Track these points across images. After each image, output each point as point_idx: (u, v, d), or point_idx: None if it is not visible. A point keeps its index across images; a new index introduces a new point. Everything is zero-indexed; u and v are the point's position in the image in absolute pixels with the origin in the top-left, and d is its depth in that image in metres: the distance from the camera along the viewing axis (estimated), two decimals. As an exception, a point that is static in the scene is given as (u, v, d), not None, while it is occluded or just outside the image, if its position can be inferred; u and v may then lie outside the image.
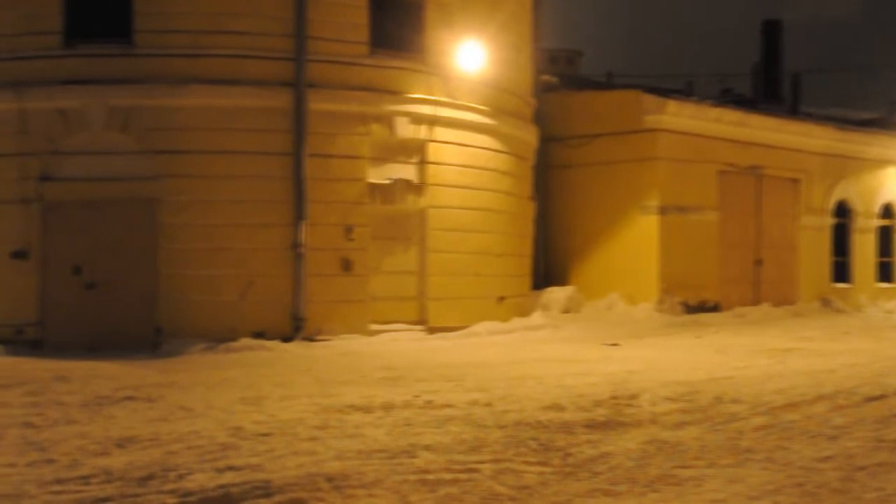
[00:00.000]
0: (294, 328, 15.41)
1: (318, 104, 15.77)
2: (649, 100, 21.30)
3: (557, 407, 8.54)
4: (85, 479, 5.99)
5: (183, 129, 15.42)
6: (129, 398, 9.51)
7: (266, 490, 5.59)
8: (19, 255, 15.51)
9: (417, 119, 16.75)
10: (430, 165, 16.94)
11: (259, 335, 14.92)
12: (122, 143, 15.44)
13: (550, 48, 25.53)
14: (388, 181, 16.52)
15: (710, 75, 46.71)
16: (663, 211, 21.12)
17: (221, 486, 5.70)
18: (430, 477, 5.95)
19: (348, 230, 16.01)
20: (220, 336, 14.67)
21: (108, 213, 15.49)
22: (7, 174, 15.59)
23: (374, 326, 16.02)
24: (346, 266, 16.01)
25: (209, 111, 15.43)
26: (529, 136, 19.83)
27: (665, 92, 23.00)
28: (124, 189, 15.46)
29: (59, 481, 5.97)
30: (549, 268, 21.95)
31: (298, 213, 15.58)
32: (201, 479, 5.90)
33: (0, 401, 9.48)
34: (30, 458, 6.68)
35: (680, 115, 21.70)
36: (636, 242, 21.23)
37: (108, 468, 6.26)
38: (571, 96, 23.00)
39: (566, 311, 20.60)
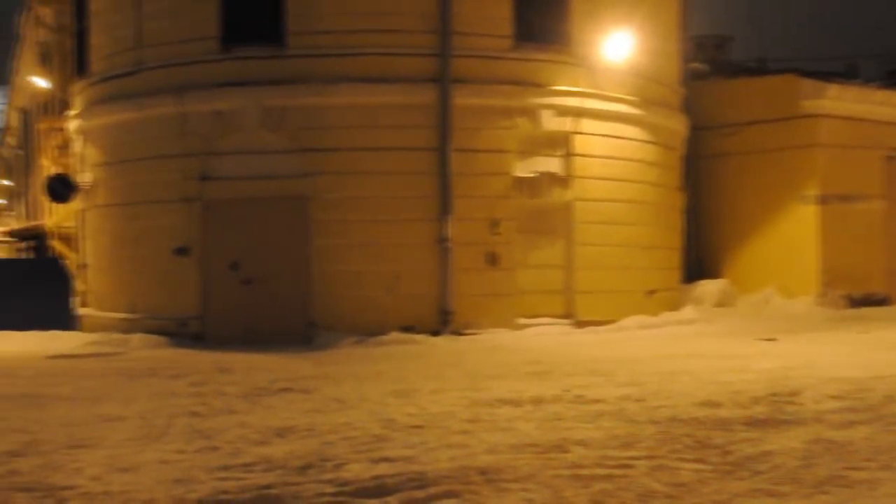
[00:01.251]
0: (442, 322, 15.55)
1: (463, 99, 15.85)
2: (808, 84, 20.36)
3: (713, 403, 8.26)
4: (248, 467, 6.18)
5: (332, 128, 15.80)
6: (286, 390, 9.79)
7: (420, 482, 5.63)
8: (182, 251, 16.25)
9: (563, 111, 16.59)
10: (577, 157, 16.75)
11: (408, 329, 15.13)
12: (275, 142, 15.93)
13: (698, 35, 24.80)
14: (533, 174, 16.43)
15: (875, 56, 44.35)
16: (824, 200, 20.17)
17: (376, 477, 5.78)
18: (584, 472, 5.85)
19: (494, 224, 16.02)
20: (370, 330, 14.96)
21: (263, 211, 16.01)
22: (169, 175, 16.36)
23: (522, 320, 15.98)
24: (493, 260, 16.02)
25: (357, 109, 15.75)
26: (678, 126, 19.34)
27: (825, 76, 21.96)
28: (277, 187, 15.94)
29: (224, 468, 6.19)
30: (700, 260, 21.34)
31: (444, 208, 15.70)
32: (357, 470, 6.00)
33: (169, 391, 9.97)
34: (197, 445, 6.96)
35: (842, 100, 20.65)
36: (794, 233, 20.36)
37: (269, 457, 6.46)
38: (722, 83, 22.28)
39: (719, 304, 19.98)
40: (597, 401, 8.52)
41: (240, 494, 5.51)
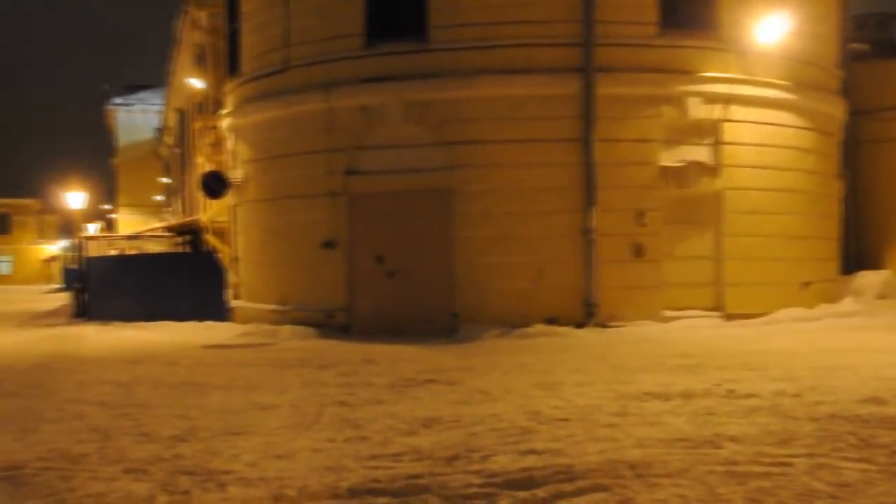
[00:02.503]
0: (586, 314, 15.36)
1: (606, 88, 15.58)
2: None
3: (877, 400, 7.83)
4: (396, 457, 6.25)
5: (475, 120, 15.81)
6: (431, 381, 9.87)
7: (568, 475, 5.55)
8: (329, 245, 16.62)
9: (711, 98, 16.09)
10: (726, 146, 16.22)
11: (552, 321, 15.01)
12: (419, 135, 16.07)
13: (859, 13, 23.57)
14: (680, 164, 16.01)
15: None
16: None
17: (524, 469, 5.74)
18: (739, 469, 5.65)
19: (640, 215, 15.69)
20: (513, 322, 14.92)
21: (407, 204, 16.19)
22: (316, 169, 16.76)
23: (668, 313, 15.60)
24: (638, 251, 15.70)
25: (500, 101, 15.71)
26: (835, 110, 18.43)
27: None
28: (421, 180, 16.08)
29: (373, 457, 6.28)
30: (860, 251, 20.32)
31: (589, 199, 15.48)
32: (504, 461, 5.98)
33: (318, 380, 10.21)
34: (346, 434, 7.10)
35: None
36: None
37: (417, 447, 6.51)
38: (884, 64, 21.12)
39: (881, 296, 18.95)
40: (750, 395, 8.22)
41: (389, 483, 5.58)
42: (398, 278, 16.16)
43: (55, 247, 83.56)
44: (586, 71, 15.50)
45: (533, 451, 6.22)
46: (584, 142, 15.53)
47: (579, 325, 15.08)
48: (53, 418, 8.13)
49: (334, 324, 16.39)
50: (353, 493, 5.43)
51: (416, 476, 5.71)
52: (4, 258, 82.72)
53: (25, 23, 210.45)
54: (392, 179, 16.24)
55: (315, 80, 16.73)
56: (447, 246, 15.84)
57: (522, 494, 5.24)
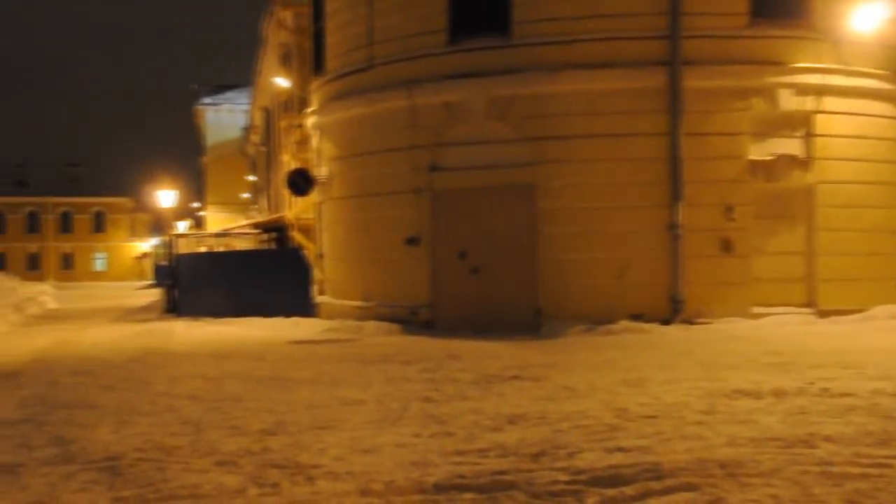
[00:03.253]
0: (672, 310, 15.11)
1: (693, 81, 15.28)
2: None
3: (981, 401, 7.52)
4: (482, 453, 6.24)
5: (558, 115, 15.69)
6: (516, 377, 9.83)
7: (657, 473, 5.46)
8: (413, 241, 16.70)
9: (803, 90, 15.65)
10: (818, 138, 15.76)
11: (637, 317, 14.82)
12: (501, 131, 16.02)
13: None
14: (770, 157, 15.62)
15: None
16: None
17: (611, 467, 5.66)
18: (834, 470, 5.48)
19: (728, 210, 15.36)
20: (597, 318, 14.76)
21: (490, 200, 16.16)
22: (400, 166, 16.85)
23: (757, 309, 15.22)
24: (727, 247, 15.38)
25: (583, 96, 15.56)
26: (934, 100, 17.72)
27: None
28: (504, 176, 16.02)
29: (458, 453, 6.28)
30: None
31: (675, 194, 15.22)
32: (590, 459, 5.92)
33: (402, 376, 10.26)
34: (431, 430, 7.11)
35: None
36: None
37: (503, 443, 6.49)
38: None
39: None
40: (846, 395, 7.97)
41: (475, 479, 5.56)
42: (481, 274, 16.15)
43: (146, 244, 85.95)
44: (672, 64, 15.21)
45: (620, 449, 6.14)
46: (671, 136, 15.27)
47: (665, 322, 14.85)
48: (147, 411, 8.35)
49: (418, 320, 16.46)
50: (439, 488, 5.44)
51: (502, 472, 5.69)
52: (99, 255, 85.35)
53: (124, 25, 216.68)
54: (475, 175, 16.22)
55: (398, 77, 16.82)
56: (530, 242, 15.76)
57: (610, 492, 5.18)
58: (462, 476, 5.64)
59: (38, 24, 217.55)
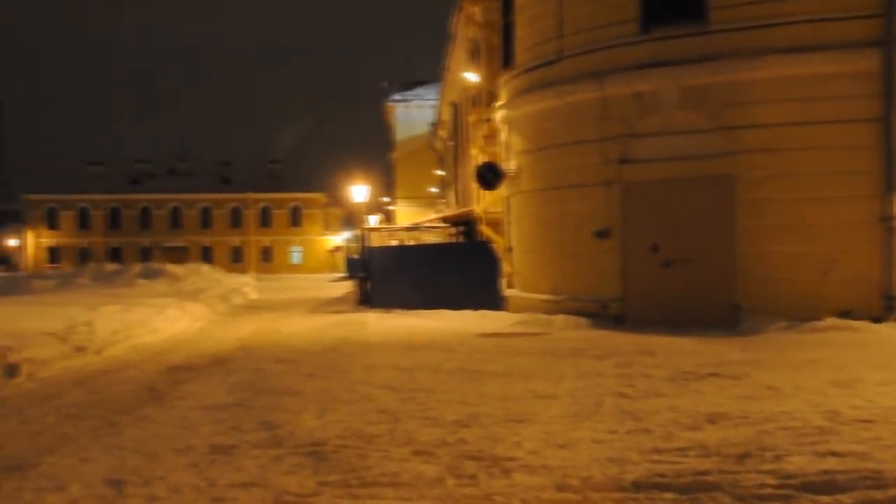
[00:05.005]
0: (885, 308, 14.15)
1: (911, 62, 14.22)
2: None
3: None
4: (681, 452, 6.05)
5: (757, 103, 14.99)
6: (713, 374, 9.49)
7: (878, 481, 5.11)
8: (602, 234, 16.46)
9: None
10: None
11: (845, 314, 13.97)
12: (695, 121, 15.49)
13: None
14: None
15: None
16: None
17: (824, 472, 5.35)
18: None
19: (948, 201, 14.23)
20: (800, 314, 14.03)
21: (683, 192, 15.68)
22: (590, 159, 16.63)
23: (982, 308, 14.04)
24: (946, 241, 14.26)
25: (785, 81, 14.78)
26: None
27: None
28: (698, 167, 15.50)
29: (656, 451, 6.11)
30: None
31: (888, 184, 14.20)
32: (800, 462, 5.61)
33: (594, 371, 10.12)
34: (627, 426, 6.96)
35: None
36: None
37: (703, 442, 6.26)
38: None
39: None
40: None
41: (675, 479, 5.40)
42: (674, 268, 15.71)
43: (339, 238, 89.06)
44: (889, 44, 14.17)
45: (833, 454, 5.79)
46: (885, 122, 14.25)
47: (877, 320, 13.92)
48: (346, 399, 8.60)
49: (608, 314, 16.22)
50: (637, 486, 5.31)
51: (704, 472, 5.49)
52: (296, 248, 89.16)
53: (322, 27, 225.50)
54: (667, 167, 15.79)
55: (588, 68, 16.59)
56: (728, 234, 15.17)
57: (824, 499, 4.89)
58: (661, 475, 5.49)
59: (235, 25, 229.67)
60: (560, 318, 16.12)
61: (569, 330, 15.36)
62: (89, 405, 8.69)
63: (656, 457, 5.96)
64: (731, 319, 14.77)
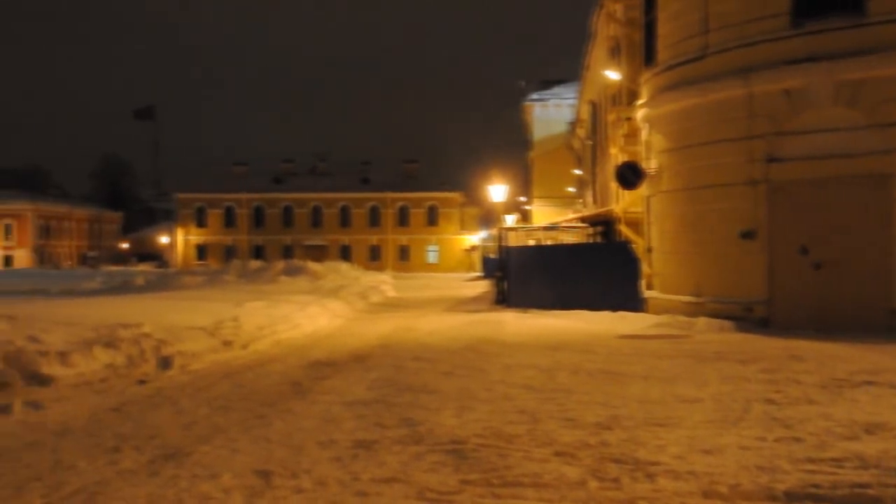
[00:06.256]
0: None
1: None
2: None
3: None
4: (837, 462, 5.78)
5: (918, 98, 14.23)
6: (869, 382, 9.05)
7: None
8: (747, 235, 15.94)
9: None
10: None
11: None
12: (849, 118, 14.83)
13: None
14: None
15: None
16: None
17: None
18: None
19: None
20: (963, 322, 13.25)
21: (835, 191, 15.04)
22: (735, 157, 16.14)
23: None
24: None
25: (950, 75, 13.98)
26: None
27: None
28: (851, 165, 14.83)
29: (809, 460, 5.86)
30: None
31: None
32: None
33: (739, 375, 9.81)
34: (776, 433, 6.71)
35: None
36: None
37: (861, 453, 5.96)
38: None
39: None
40: None
41: (831, 490, 5.16)
42: (825, 270, 15.08)
43: (475, 237, 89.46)
44: None
45: None
46: None
47: None
48: (485, 398, 8.60)
49: (752, 317, 15.70)
50: (790, 496, 5.10)
51: (864, 485, 5.22)
52: (432, 247, 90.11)
53: (458, 26, 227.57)
54: (818, 165, 15.17)
55: (734, 65, 16.10)
56: (885, 235, 14.45)
57: None
58: (816, 486, 5.26)
59: (377, 25, 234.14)
60: (702, 321, 15.70)
61: (711, 333, 14.95)
62: (237, 398, 8.99)
63: (809, 466, 5.71)
64: (888, 325, 14.07)
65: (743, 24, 16.01)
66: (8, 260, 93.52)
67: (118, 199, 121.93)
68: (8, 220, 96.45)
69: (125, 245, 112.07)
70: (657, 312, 17.93)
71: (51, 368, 9.58)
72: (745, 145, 15.99)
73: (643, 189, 19.77)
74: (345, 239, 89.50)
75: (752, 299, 15.88)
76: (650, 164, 19.02)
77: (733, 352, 12.07)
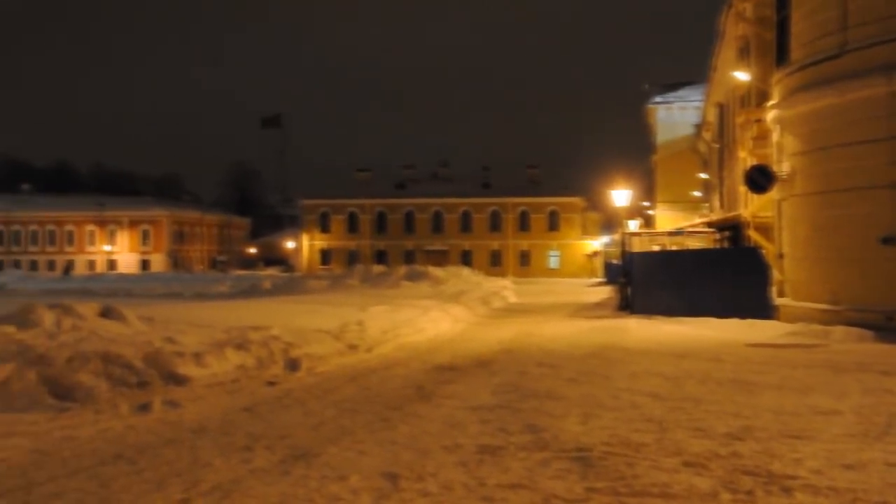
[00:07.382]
0: None
1: None
2: None
3: None
4: None
5: None
6: None
7: None
8: (889, 240, 15.23)
9: None
10: None
11: None
12: None
13: None
14: None
15: None
16: None
17: None
18: None
19: None
20: None
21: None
22: (875, 159, 15.46)
23: None
24: None
25: None
26: None
27: None
28: None
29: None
30: None
31: None
32: None
33: (882, 387, 9.36)
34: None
35: None
36: None
37: None
38: None
39: None
40: None
41: None
42: (972, 279, 14.27)
43: (597, 242, 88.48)
44: None
45: None
46: None
47: None
48: (611, 406, 8.45)
49: (893, 326, 14.96)
50: (941, 517, 4.80)
51: None
52: (553, 253, 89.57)
53: (579, 27, 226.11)
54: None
55: (875, 62, 15.41)
56: None
57: None
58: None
59: (497, 29, 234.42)
60: (839, 330, 15.05)
61: (849, 342, 14.32)
62: (363, 400, 9.10)
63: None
64: None
65: (887, 19, 15.29)
66: (145, 264, 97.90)
67: (246, 205, 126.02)
68: (146, 227, 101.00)
69: (253, 250, 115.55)
70: (789, 320, 17.30)
71: (186, 369, 9.92)
72: (887, 146, 15.29)
73: (774, 193, 19.13)
74: (466, 244, 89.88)
75: (894, 308, 15.13)
76: (782, 167, 18.39)
77: (874, 363, 11.52)
